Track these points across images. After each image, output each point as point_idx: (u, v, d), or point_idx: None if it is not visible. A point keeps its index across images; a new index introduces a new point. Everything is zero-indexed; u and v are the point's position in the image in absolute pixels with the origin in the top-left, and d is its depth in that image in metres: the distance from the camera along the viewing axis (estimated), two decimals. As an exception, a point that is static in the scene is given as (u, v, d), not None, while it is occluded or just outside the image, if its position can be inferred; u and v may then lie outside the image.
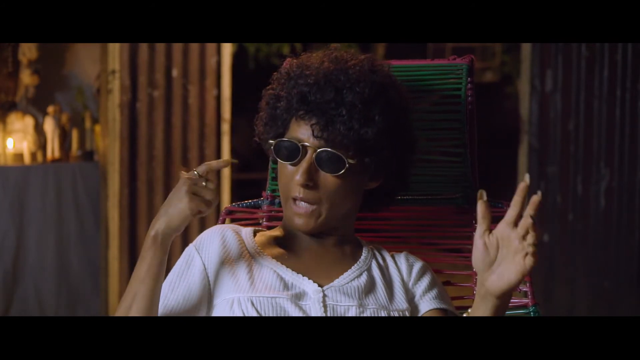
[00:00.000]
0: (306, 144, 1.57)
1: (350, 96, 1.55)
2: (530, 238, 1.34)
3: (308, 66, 1.60)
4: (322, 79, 1.57)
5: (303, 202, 1.59)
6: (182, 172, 1.52)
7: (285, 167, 1.60)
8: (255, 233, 1.69)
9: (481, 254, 1.39)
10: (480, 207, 1.39)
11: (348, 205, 1.62)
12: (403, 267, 1.68)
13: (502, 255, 1.37)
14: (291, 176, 1.59)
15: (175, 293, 1.57)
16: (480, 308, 1.44)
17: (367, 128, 1.55)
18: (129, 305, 1.50)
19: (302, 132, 1.58)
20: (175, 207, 1.49)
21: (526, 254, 1.34)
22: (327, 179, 1.57)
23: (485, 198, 1.39)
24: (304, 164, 1.57)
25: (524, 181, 1.36)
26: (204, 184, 1.49)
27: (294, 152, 1.58)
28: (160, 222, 1.50)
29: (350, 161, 1.56)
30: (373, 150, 1.58)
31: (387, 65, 1.66)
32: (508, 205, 1.86)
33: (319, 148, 1.56)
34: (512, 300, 1.83)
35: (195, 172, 1.50)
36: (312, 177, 1.57)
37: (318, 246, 1.65)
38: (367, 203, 1.69)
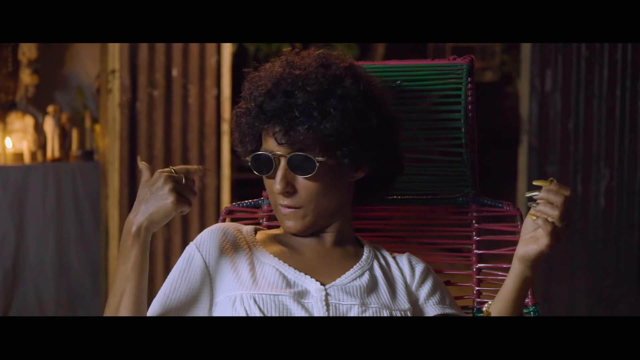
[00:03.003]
0: (277, 152, 1.58)
1: (301, 96, 1.56)
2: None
3: (261, 76, 1.62)
4: (272, 86, 1.58)
5: (288, 207, 1.61)
6: (164, 169, 1.51)
7: (266, 180, 1.63)
8: (256, 231, 1.69)
9: (530, 221, 1.53)
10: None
11: (334, 202, 1.63)
12: (405, 268, 1.68)
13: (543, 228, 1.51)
14: (272, 186, 1.61)
15: (177, 292, 1.57)
16: (507, 279, 1.59)
17: (326, 123, 1.55)
18: (117, 304, 1.50)
19: (271, 142, 1.59)
20: (158, 204, 1.48)
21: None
22: (304, 181, 1.59)
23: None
24: (279, 173, 1.59)
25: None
26: (184, 182, 1.49)
27: (268, 164, 1.60)
28: (141, 218, 1.49)
29: (320, 159, 1.57)
30: (340, 144, 1.58)
31: (343, 56, 1.66)
32: (508, 205, 1.89)
33: (289, 154, 1.57)
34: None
35: (174, 170, 1.50)
36: (288, 183, 1.59)
37: (319, 244, 1.66)
38: (367, 193, 1.70)
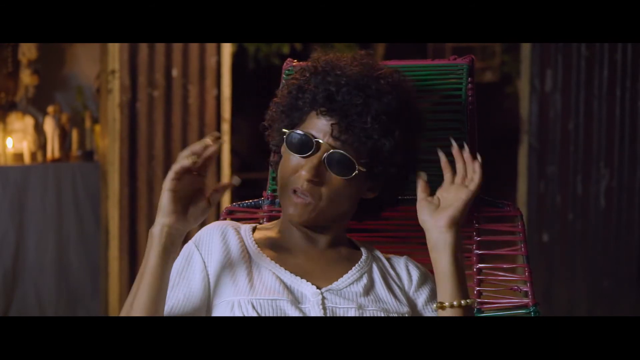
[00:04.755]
0: (320, 140, 1.56)
1: (377, 106, 1.55)
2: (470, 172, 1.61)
3: (339, 65, 1.60)
4: (353, 82, 1.57)
5: (303, 194, 1.58)
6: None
7: (292, 159, 1.59)
8: (254, 229, 1.68)
9: (426, 204, 1.60)
10: (420, 184, 1.63)
11: (345, 208, 1.62)
12: (403, 273, 1.68)
13: (444, 197, 1.61)
14: (296, 168, 1.58)
15: (175, 291, 1.57)
16: (439, 259, 1.58)
17: (385, 140, 1.56)
18: (131, 302, 1.49)
19: (319, 129, 1.57)
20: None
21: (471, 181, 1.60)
22: (333, 179, 1.57)
23: (425, 179, 1.63)
24: (313, 160, 1.56)
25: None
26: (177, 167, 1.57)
27: (307, 146, 1.57)
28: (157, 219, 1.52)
29: (361, 168, 1.57)
30: (385, 163, 1.58)
31: (410, 80, 1.66)
32: (509, 205, 1.89)
33: (333, 148, 1.56)
34: (512, 300, 1.83)
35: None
36: (318, 174, 1.57)
37: (313, 247, 1.65)
38: (364, 211, 1.69)
